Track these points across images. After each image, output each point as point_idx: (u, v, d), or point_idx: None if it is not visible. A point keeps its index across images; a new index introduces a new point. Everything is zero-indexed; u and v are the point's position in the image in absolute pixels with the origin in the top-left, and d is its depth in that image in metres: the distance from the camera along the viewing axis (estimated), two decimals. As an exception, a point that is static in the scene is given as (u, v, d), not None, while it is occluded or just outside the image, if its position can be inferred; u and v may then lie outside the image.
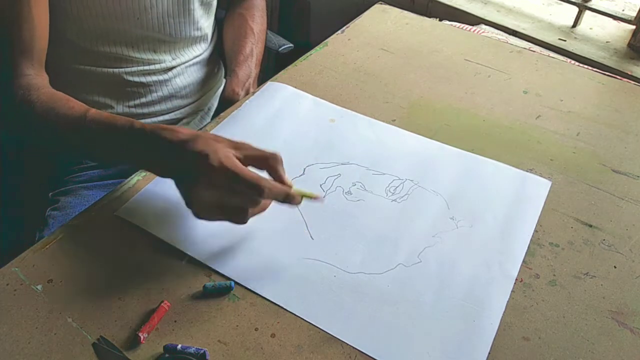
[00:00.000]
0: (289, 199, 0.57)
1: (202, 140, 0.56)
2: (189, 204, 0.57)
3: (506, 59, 0.95)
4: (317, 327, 0.54)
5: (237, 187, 0.54)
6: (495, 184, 0.70)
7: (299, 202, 0.58)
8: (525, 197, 0.68)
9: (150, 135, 0.58)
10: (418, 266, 0.60)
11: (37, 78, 0.70)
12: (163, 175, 0.61)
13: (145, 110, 0.88)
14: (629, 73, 1.15)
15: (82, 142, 0.64)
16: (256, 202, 0.56)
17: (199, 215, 0.57)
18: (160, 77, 0.88)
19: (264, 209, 0.58)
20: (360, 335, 0.53)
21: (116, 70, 0.83)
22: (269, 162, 0.57)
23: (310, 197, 0.59)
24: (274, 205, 0.65)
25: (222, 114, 0.80)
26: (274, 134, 0.76)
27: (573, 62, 1.01)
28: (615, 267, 0.61)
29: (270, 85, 0.85)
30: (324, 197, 0.67)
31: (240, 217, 0.57)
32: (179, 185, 0.58)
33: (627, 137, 0.80)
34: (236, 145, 0.57)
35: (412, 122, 0.80)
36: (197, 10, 0.86)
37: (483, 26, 1.27)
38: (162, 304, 0.54)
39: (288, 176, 0.58)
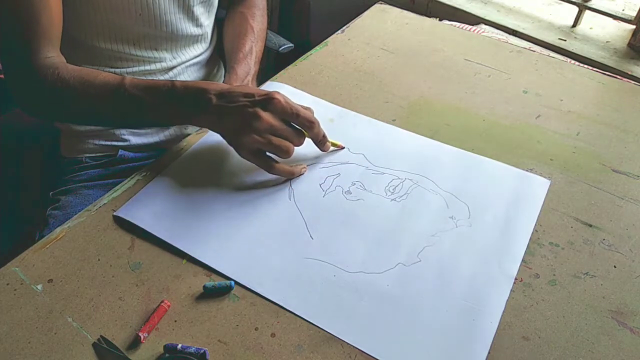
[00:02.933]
0: (325, 139, 0.70)
1: (253, 87, 0.69)
2: (242, 139, 0.65)
3: (506, 58, 0.95)
4: (317, 326, 0.54)
5: (296, 120, 0.65)
6: (494, 184, 0.70)
7: (329, 149, 0.72)
8: (524, 196, 0.68)
9: (197, 89, 0.66)
10: (418, 265, 0.60)
11: (59, 58, 0.72)
12: (208, 122, 0.67)
13: None
14: (629, 73, 1.15)
15: (124, 108, 0.68)
16: (301, 139, 0.67)
17: (248, 149, 0.65)
18: (161, 78, 0.88)
19: (290, 154, 0.66)
20: (360, 335, 0.53)
21: (118, 70, 0.83)
22: (308, 109, 0.69)
23: (336, 146, 0.73)
24: (274, 206, 0.65)
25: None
26: (274, 133, 0.76)
27: (573, 62, 1.01)
28: (615, 266, 0.61)
29: (269, 85, 0.85)
30: (323, 195, 0.67)
31: (285, 150, 0.65)
32: (228, 124, 0.65)
33: (627, 137, 0.80)
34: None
35: (412, 122, 0.80)
36: (197, 7, 0.86)
37: (483, 26, 1.28)
38: (162, 304, 0.54)
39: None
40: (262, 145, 0.64)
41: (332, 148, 0.73)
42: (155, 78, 0.87)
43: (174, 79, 0.89)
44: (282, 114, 0.65)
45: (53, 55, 0.71)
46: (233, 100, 0.65)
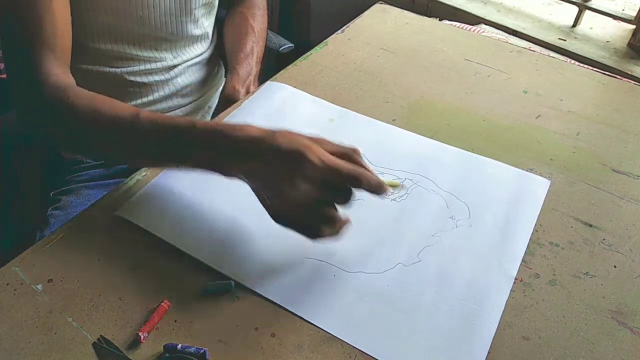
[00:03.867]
0: (381, 187, 0.55)
1: (283, 135, 0.53)
2: (272, 204, 0.55)
3: (506, 58, 0.95)
4: (317, 326, 0.54)
5: (336, 182, 0.53)
6: (494, 184, 0.70)
7: (388, 191, 0.57)
8: (524, 196, 0.68)
9: (218, 135, 0.56)
10: (417, 265, 0.60)
11: (67, 78, 0.66)
12: (231, 175, 0.57)
13: (147, 108, 0.88)
14: (629, 73, 1.15)
15: (136, 143, 0.60)
16: (348, 198, 0.54)
17: (280, 217, 0.56)
18: (162, 77, 0.88)
19: (338, 225, 0.56)
20: (360, 335, 0.53)
21: (118, 70, 0.83)
22: (351, 157, 0.55)
23: (395, 186, 0.64)
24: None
25: (221, 114, 0.80)
26: (274, 133, 0.76)
27: (573, 61, 1.01)
28: (615, 266, 0.61)
29: (270, 84, 0.85)
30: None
31: (330, 223, 0.54)
32: (255, 184, 0.56)
33: (627, 137, 0.80)
34: (316, 140, 0.54)
35: (412, 121, 0.80)
36: (199, 10, 0.87)
37: (483, 26, 1.28)
38: (162, 304, 0.54)
39: None
40: (300, 216, 0.55)
41: (391, 190, 0.62)
42: (156, 77, 0.87)
43: (174, 77, 0.89)
44: (321, 176, 0.52)
45: (59, 73, 0.65)
46: (264, 155, 0.54)
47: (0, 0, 0.64)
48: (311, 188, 0.52)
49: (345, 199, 0.54)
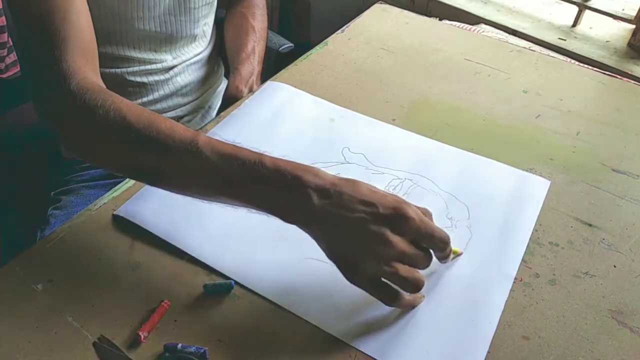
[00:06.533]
0: (449, 255, 0.55)
1: (368, 188, 0.51)
2: (350, 262, 0.50)
3: (506, 58, 0.95)
4: (317, 327, 0.54)
5: (430, 241, 0.51)
6: (494, 184, 0.70)
7: (450, 259, 0.57)
8: (524, 196, 0.68)
9: (292, 177, 0.50)
10: (418, 266, 0.60)
11: (100, 81, 0.60)
12: (299, 223, 0.51)
13: (146, 108, 0.88)
14: (629, 72, 1.15)
15: (192, 170, 0.53)
16: (429, 262, 0.52)
17: (365, 278, 0.50)
18: (162, 77, 0.88)
19: (420, 288, 0.51)
20: (360, 335, 0.53)
21: (118, 70, 0.83)
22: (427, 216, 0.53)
23: (456, 253, 0.60)
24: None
25: (222, 113, 0.80)
26: (274, 133, 0.76)
27: (573, 61, 1.01)
28: (614, 266, 0.61)
29: (270, 84, 0.85)
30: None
31: (414, 284, 0.50)
32: (340, 239, 0.50)
33: (627, 136, 0.80)
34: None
35: (412, 121, 0.80)
36: (199, 9, 0.87)
37: (483, 26, 1.28)
38: (162, 303, 0.54)
39: None
40: (386, 275, 0.50)
41: (452, 256, 0.58)
42: (155, 77, 0.87)
43: (173, 77, 0.89)
44: (415, 235, 0.50)
45: (91, 74, 0.59)
46: (346, 206, 0.49)
47: None
48: (405, 246, 0.49)
49: (427, 261, 0.52)
